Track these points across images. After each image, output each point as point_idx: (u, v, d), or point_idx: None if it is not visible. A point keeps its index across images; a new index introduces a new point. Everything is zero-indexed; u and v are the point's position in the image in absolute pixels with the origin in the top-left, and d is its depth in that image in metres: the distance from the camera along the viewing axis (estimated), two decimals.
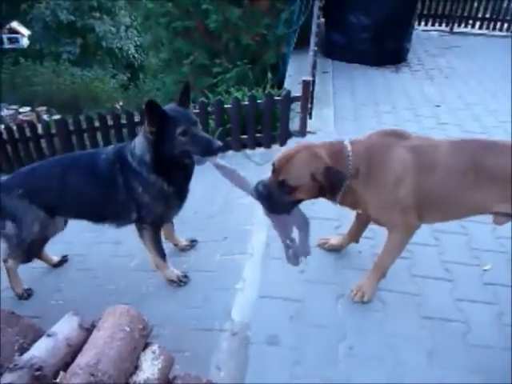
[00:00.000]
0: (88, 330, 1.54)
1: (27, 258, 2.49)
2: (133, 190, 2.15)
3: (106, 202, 2.24)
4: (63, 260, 2.80)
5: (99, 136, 4.59)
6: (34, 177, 2.32)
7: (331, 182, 1.89)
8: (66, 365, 1.26)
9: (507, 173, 1.85)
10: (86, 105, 13.62)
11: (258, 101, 3.94)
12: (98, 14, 18.64)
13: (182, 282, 2.45)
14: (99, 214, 2.35)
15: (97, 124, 4.56)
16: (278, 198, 1.93)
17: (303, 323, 2.10)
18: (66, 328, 1.42)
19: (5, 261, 2.49)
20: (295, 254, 2.06)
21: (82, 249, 2.74)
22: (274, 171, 1.93)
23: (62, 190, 2.26)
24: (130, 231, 2.66)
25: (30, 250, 2.43)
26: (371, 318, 2.14)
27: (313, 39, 4.10)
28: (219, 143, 2.04)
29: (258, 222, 2.89)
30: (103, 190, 2.21)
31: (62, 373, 1.21)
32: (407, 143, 1.96)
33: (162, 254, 2.39)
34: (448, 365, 1.92)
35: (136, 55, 19.72)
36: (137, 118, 4.43)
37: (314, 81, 4.05)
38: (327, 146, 1.96)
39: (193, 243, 2.76)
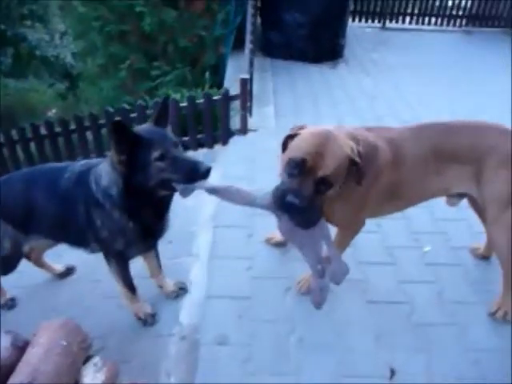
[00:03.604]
0: (22, 348, 1.45)
1: (4, 272, 2.25)
2: (92, 222, 1.89)
3: (66, 226, 2.01)
4: (69, 270, 2.59)
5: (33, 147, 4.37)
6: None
7: (364, 167, 1.66)
8: None
9: (463, 152, 1.91)
10: (22, 117, 12.95)
11: (197, 101, 3.90)
12: (29, 22, 17.79)
13: (147, 321, 2.16)
14: (62, 236, 2.13)
15: (30, 135, 4.34)
16: (314, 206, 1.59)
17: (252, 320, 2.08)
18: None
19: None
20: (333, 277, 1.72)
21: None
22: (303, 172, 1.55)
23: (25, 206, 2.02)
24: None
25: (5, 264, 2.19)
26: None
27: (248, 37, 4.12)
28: (207, 165, 1.64)
29: (203, 223, 2.86)
30: (62, 213, 1.96)
31: None
32: (385, 137, 1.89)
33: (130, 286, 2.12)
34: (395, 346, 1.97)
35: (73, 63, 18.98)
36: (72, 126, 4.25)
37: (251, 78, 4.05)
38: (339, 130, 1.71)
39: (181, 290, 2.33)
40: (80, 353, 1.56)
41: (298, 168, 1.55)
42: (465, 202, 2.22)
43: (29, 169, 2.23)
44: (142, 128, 1.73)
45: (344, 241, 2.09)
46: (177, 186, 1.66)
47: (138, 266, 2.22)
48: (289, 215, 1.59)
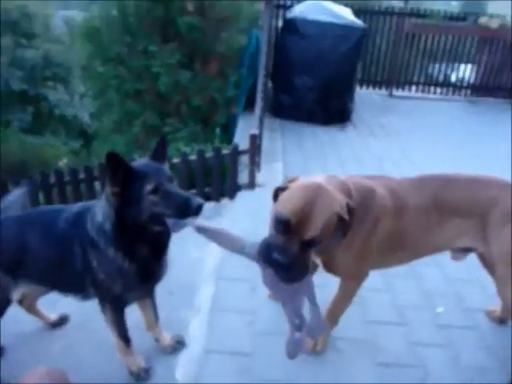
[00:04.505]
0: None
1: None
2: (87, 262, 1.82)
3: (60, 270, 1.93)
4: (63, 319, 2.47)
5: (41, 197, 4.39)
6: None
7: (352, 220, 1.62)
8: None
9: (464, 205, 1.87)
10: (36, 170, 13.20)
11: (207, 155, 3.95)
12: (51, 83, 18.66)
13: (140, 376, 2.03)
14: (55, 282, 2.04)
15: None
16: (299, 263, 1.54)
17: (253, 379, 1.94)
18: None
19: None
20: (310, 332, 1.69)
21: None
22: (288, 231, 1.50)
23: (17, 249, 1.94)
24: None
25: None
26: (325, 369, 2.02)
27: (259, 96, 4.25)
28: (200, 201, 1.62)
29: (206, 276, 2.77)
30: (58, 255, 1.89)
31: None
32: (385, 185, 1.87)
33: (124, 337, 2.02)
34: None
35: (90, 123, 19.64)
36: (82, 175, 4.29)
37: (261, 135, 4.12)
38: (329, 181, 1.67)
39: (178, 344, 2.21)
40: None
41: (284, 227, 1.50)
42: (477, 261, 2.14)
43: (25, 211, 2.19)
44: (138, 162, 1.73)
45: (348, 292, 2.00)
46: (168, 220, 1.62)
47: (134, 316, 2.12)
48: (273, 270, 1.55)
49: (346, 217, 1.59)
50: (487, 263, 2.05)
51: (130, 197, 1.63)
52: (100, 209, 1.75)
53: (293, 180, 1.67)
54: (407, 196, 1.88)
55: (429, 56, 8.82)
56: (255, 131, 3.76)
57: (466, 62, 8.82)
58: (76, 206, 1.96)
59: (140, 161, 1.75)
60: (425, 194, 1.89)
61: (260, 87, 4.35)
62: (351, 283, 1.98)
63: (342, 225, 1.60)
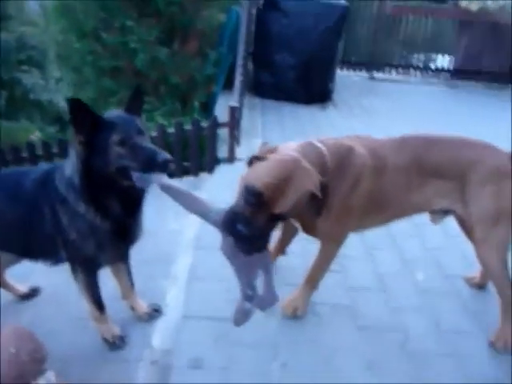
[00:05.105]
0: None
1: None
2: (58, 222, 1.72)
3: (29, 233, 1.81)
4: (34, 291, 2.34)
5: None
6: None
7: (326, 197, 1.59)
8: None
9: (445, 165, 1.84)
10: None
11: (185, 127, 3.83)
12: (26, 67, 18.12)
13: (115, 344, 1.95)
14: (24, 247, 1.93)
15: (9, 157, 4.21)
16: (262, 235, 1.53)
17: (232, 343, 1.89)
18: None
19: None
20: (260, 304, 1.65)
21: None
22: (258, 204, 1.46)
23: None
24: None
25: None
26: (305, 333, 1.98)
27: (238, 71, 4.16)
28: (167, 155, 1.55)
29: (184, 246, 2.69)
30: (25, 217, 1.78)
31: None
32: (366, 144, 1.84)
33: (98, 303, 1.92)
34: (387, 375, 1.79)
35: (66, 108, 19.15)
36: (55, 149, 4.14)
37: (241, 109, 4.04)
38: (304, 153, 1.64)
39: (155, 312, 2.14)
40: (31, 363, 1.37)
41: (255, 198, 1.46)
42: (456, 231, 2.13)
43: None
44: (109, 113, 1.64)
45: (328, 255, 1.96)
46: (134, 174, 1.55)
47: (109, 286, 2.04)
48: (235, 241, 1.50)
49: (319, 194, 1.55)
50: (465, 226, 2.04)
51: (97, 147, 1.54)
52: (69, 163, 1.65)
53: (271, 150, 1.61)
54: (388, 156, 1.84)
55: (409, 44, 8.85)
56: (235, 103, 3.66)
57: (444, 53, 8.89)
58: (44, 166, 1.87)
59: (111, 112, 1.66)
60: (406, 154, 1.86)
61: (240, 62, 4.25)
62: (331, 245, 1.95)
63: (316, 202, 1.57)
